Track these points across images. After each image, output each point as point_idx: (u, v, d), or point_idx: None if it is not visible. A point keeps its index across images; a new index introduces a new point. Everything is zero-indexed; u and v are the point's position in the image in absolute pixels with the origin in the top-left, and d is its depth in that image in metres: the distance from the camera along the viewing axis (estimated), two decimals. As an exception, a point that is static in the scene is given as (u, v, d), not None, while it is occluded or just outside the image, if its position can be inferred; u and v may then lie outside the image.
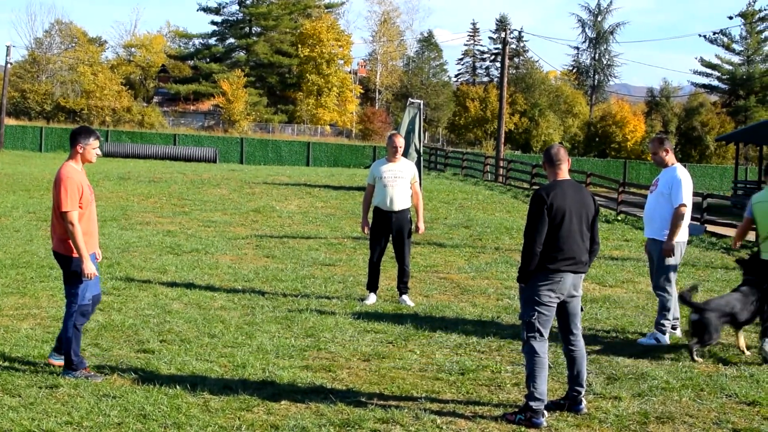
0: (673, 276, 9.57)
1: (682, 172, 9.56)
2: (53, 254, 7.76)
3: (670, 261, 9.47)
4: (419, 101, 25.83)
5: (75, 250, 7.48)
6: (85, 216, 7.56)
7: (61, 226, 7.51)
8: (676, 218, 9.38)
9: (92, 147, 7.69)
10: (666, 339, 9.45)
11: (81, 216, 7.48)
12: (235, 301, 11.01)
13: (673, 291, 9.58)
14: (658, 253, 9.51)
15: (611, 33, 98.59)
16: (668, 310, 9.48)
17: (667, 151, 9.69)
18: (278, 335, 9.25)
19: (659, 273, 9.57)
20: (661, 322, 9.49)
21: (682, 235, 9.56)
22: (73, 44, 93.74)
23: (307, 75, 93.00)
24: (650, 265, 9.93)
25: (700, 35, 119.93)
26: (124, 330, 9.24)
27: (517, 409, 6.83)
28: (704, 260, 16.52)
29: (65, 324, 7.65)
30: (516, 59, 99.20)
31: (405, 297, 11.37)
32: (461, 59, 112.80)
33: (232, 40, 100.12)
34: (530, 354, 6.74)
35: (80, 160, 7.68)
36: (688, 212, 9.52)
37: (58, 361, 7.71)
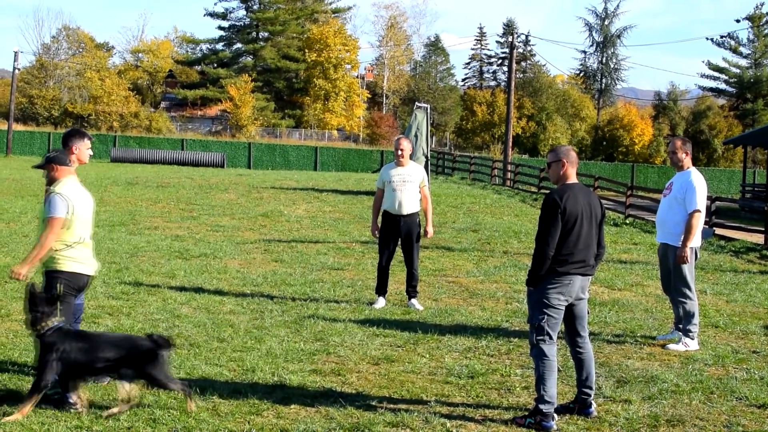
0: (691, 280, 9.52)
1: (697, 177, 9.50)
2: None
3: (686, 267, 9.43)
4: (426, 105, 25.81)
5: None
6: None
7: None
8: (691, 224, 9.33)
9: (86, 147, 7.78)
10: (696, 345, 9.39)
11: None
12: (244, 305, 11.01)
13: (694, 296, 9.55)
14: (673, 258, 9.46)
15: (618, 36, 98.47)
16: (693, 315, 9.43)
17: (686, 154, 9.65)
18: (287, 339, 9.25)
19: (677, 279, 9.50)
20: (688, 328, 9.42)
21: (696, 241, 9.51)
22: (81, 50, 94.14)
23: (315, 80, 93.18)
24: (661, 269, 9.89)
25: (707, 38, 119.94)
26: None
27: (526, 413, 6.82)
28: (713, 263, 16.48)
29: None
30: (523, 63, 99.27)
31: (414, 301, 11.36)
32: (468, 63, 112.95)
33: (239, 45, 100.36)
34: (539, 357, 6.73)
35: (74, 161, 7.73)
36: (701, 217, 9.48)
37: None
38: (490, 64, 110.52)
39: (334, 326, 9.92)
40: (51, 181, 7.27)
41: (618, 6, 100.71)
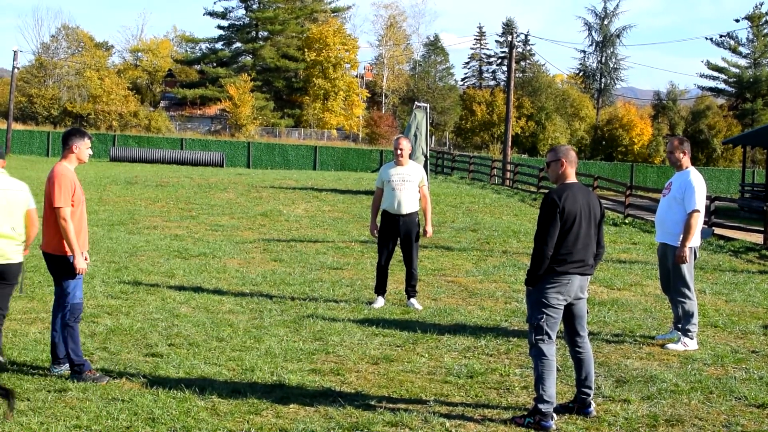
0: (690, 280, 9.52)
1: (696, 177, 9.49)
2: (43, 255, 7.78)
3: (685, 266, 9.43)
4: (426, 105, 25.82)
5: (67, 247, 7.51)
6: (77, 215, 7.61)
7: (53, 225, 7.53)
8: (690, 224, 9.33)
9: (86, 146, 7.81)
10: (695, 344, 9.39)
11: (72, 214, 7.52)
12: (243, 304, 11.01)
13: (693, 295, 9.54)
14: (672, 258, 9.46)
15: (618, 36, 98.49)
16: (692, 315, 9.43)
17: (684, 153, 9.64)
18: (286, 339, 9.25)
19: (676, 279, 9.51)
20: (687, 327, 9.41)
21: (695, 240, 9.51)
22: (80, 49, 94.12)
23: (314, 79, 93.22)
24: (660, 268, 9.89)
25: (706, 38, 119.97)
26: (132, 334, 9.25)
27: (526, 412, 6.81)
28: (712, 263, 16.48)
29: (56, 326, 7.69)
30: (522, 63, 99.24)
31: (413, 300, 11.35)
32: (468, 63, 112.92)
33: (238, 44, 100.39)
34: (538, 357, 6.73)
35: (74, 160, 7.74)
36: (700, 217, 9.48)
37: (62, 371, 7.71)
38: (490, 63, 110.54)
39: (333, 326, 9.92)
40: None
41: (617, 6, 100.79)
